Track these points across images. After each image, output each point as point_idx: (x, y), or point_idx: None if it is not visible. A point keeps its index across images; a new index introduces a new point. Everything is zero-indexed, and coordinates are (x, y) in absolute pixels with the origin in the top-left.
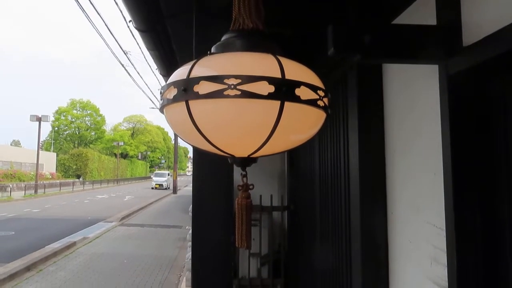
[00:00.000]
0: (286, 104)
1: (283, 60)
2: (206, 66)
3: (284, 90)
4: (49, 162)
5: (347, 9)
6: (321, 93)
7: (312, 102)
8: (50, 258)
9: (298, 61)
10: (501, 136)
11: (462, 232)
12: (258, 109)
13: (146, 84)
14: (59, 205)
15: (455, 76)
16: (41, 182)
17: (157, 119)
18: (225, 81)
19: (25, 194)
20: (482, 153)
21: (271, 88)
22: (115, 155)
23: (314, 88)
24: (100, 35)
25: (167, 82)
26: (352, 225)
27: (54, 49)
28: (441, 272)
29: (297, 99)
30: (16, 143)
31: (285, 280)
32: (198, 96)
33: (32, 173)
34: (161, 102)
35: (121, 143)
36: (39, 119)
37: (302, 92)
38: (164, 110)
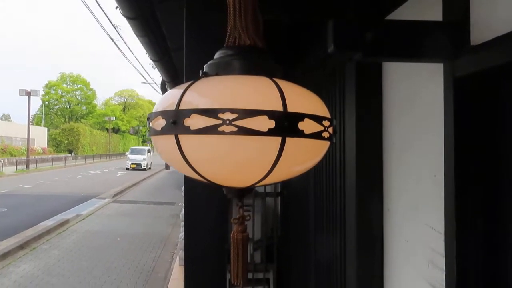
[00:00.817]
0: (288, 139)
1: (284, 86)
2: (198, 94)
3: (286, 125)
4: (40, 137)
5: (349, 3)
6: (326, 123)
7: (316, 135)
8: (43, 236)
9: (295, 51)
10: (509, 142)
11: (464, 240)
12: (256, 146)
13: (137, 59)
14: (51, 181)
15: (462, 79)
16: (33, 157)
17: (149, 94)
18: (220, 115)
19: (16, 169)
20: (488, 160)
21: (272, 123)
22: (107, 130)
23: (319, 119)
24: (88, 7)
25: (154, 110)
26: (347, 217)
27: (41, 22)
28: (438, 276)
29: (300, 134)
30: (6, 117)
31: (278, 265)
32: (188, 131)
33: (23, 148)
34: (148, 129)
35: (113, 118)
36: (28, 94)
37: (306, 125)
38: (152, 138)
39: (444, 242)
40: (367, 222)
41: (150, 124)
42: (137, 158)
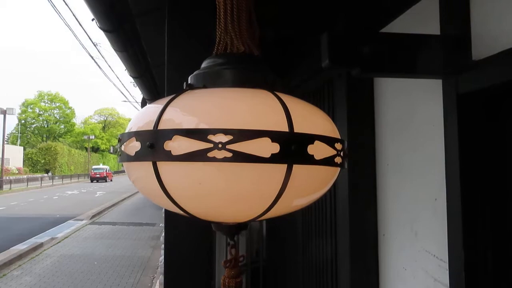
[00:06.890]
0: (295, 167)
1: (288, 101)
2: (182, 110)
3: (293, 149)
4: (15, 156)
5: (338, 15)
6: (339, 146)
7: (328, 161)
8: (14, 261)
9: (280, 65)
10: None
11: (474, 273)
12: (256, 175)
13: (118, 77)
14: (26, 202)
15: (466, 96)
16: (7, 178)
17: (130, 112)
18: (210, 137)
19: None
20: (497, 183)
21: (275, 147)
22: (86, 149)
23: (330, 142)
24: (67, 25)
25: (128, 130)
26: (338, 242)
27: (19, 41)
28: None
29: (309, 160)
30: None
31: None
32: (170, 157)
33: None
34: (119, 154)
35: (92, 137)
36: (4, 112)
37: (316, 149)
38: (123, 165)
39: (448, 272)
40: (361, 248)
41: (122, 148)
42: None
